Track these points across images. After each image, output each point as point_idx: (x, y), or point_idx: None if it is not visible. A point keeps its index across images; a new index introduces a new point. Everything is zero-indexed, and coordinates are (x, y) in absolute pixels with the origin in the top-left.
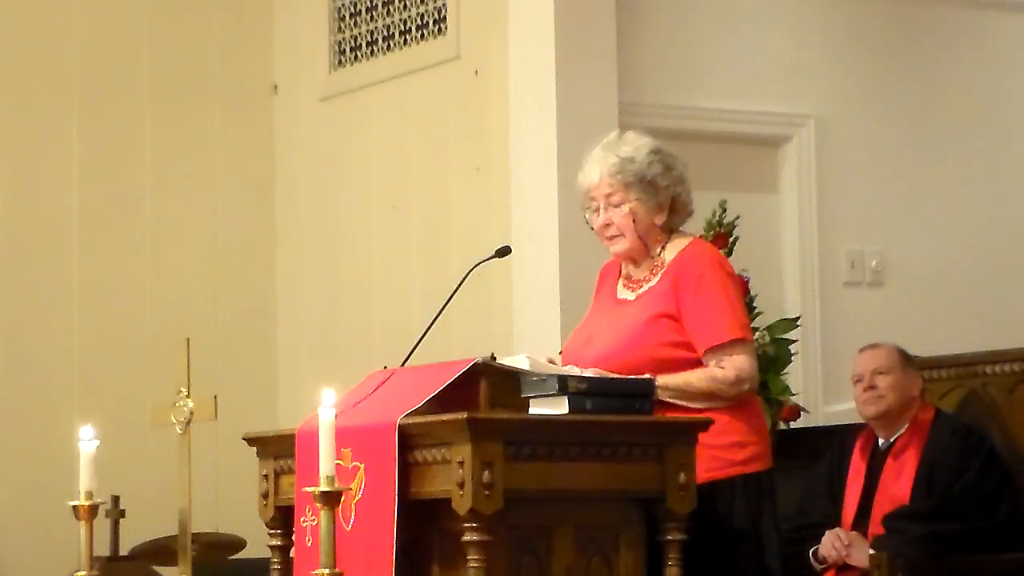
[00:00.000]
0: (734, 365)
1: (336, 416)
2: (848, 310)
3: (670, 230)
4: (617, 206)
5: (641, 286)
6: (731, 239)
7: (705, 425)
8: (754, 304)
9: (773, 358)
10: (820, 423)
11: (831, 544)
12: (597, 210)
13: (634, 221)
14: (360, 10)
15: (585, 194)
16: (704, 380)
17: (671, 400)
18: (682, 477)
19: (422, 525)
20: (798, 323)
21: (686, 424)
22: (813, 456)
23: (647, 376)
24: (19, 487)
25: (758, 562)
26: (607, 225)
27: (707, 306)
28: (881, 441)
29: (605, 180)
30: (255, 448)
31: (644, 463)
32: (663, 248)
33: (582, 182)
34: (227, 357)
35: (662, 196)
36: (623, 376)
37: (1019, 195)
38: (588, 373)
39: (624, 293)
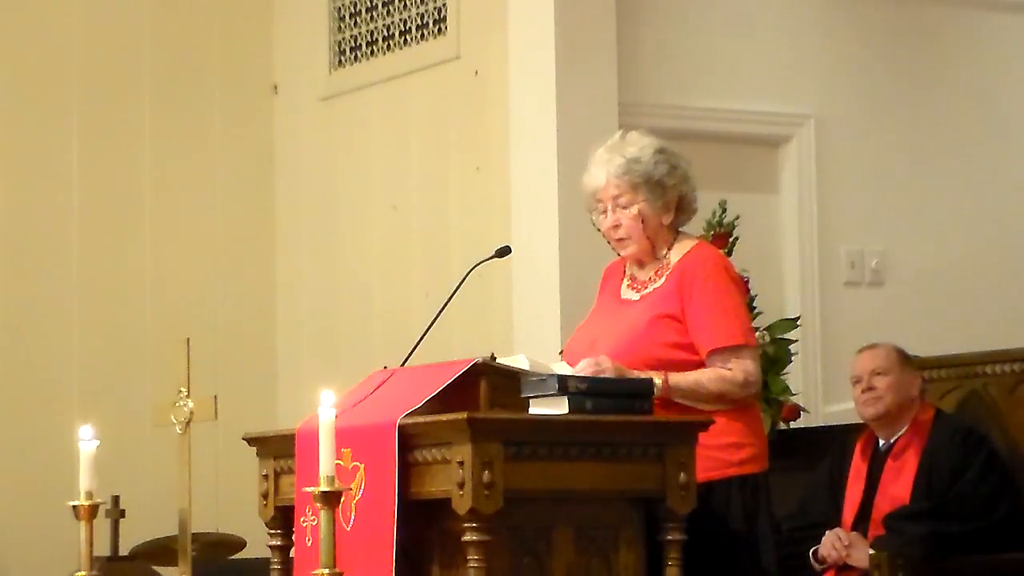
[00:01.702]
0: (742, 368)
1: (336, 416)
2: (848, 310)
3: (676, 230)
4: (625, 208)
5: (646, 287)
6: (731, 239)
7: (705, 425)
8: (754, 304)
9: (773, 358)
10: (820, 423)
11: (831, 544)
12: (605, 212)
13: (642, 223)
14: (360, 10)
15: (591, 196)
16: (715, 381)
17: (681, 401)
18: (682, 477)
19: (422, 525)
20: (798, 323)
21: (686, 424)
22: (813, 456)
23: (650, 376)
24: (19, 487)
25: (753, 563)
26: (615, 227)
27: (711, 309)
28: (881, 442)
29: (612, 182)
30: (255, 448)
31: (644, 463)
32: (669, 249)
33: (587, 184)
34: (227, 357)
35: (669, 195)
36: (623, 377)
37: (1019, 195)
38: (585, 367)
39: (628, 294)
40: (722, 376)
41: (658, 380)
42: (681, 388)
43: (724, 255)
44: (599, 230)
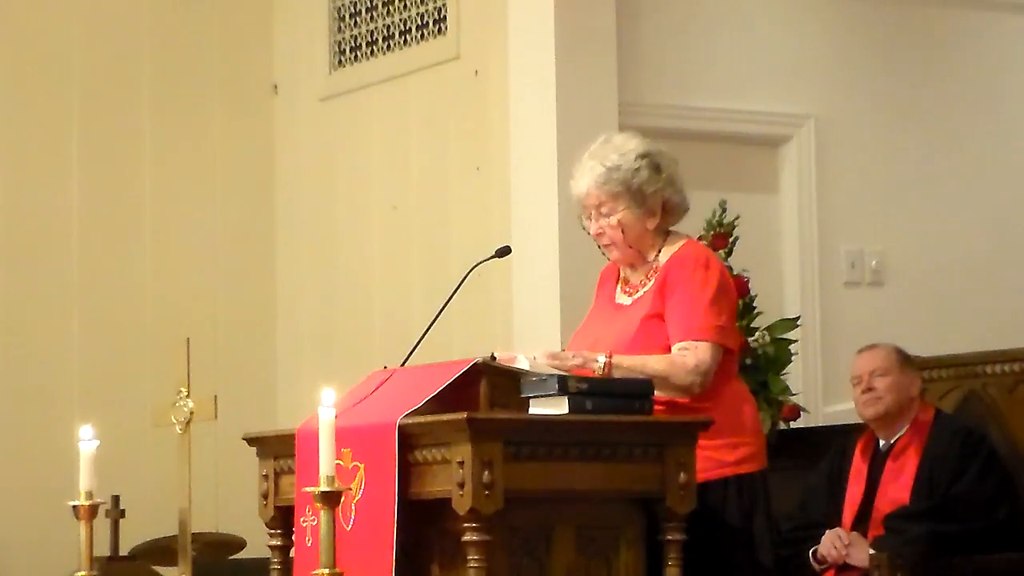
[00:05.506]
0: (696, 355)
1: (336, 416)
2: (848, 310)
3: (666, 231)
4: (607, 216)
5: (637, 291)
6: (731, 239)
7: (705, 425)
8: (754, 304)
9: (773, 358)
10: (820, 423)
11: (831, 544)
12: (591, 218)
13: (623, 232)
14: (360, 10)
15: (578, 203)
16: (661, 361)
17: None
18: (682, 477)
19: (422, 525)
20: (798, 323)
21: (686, 424)
22: (813, 456)
23: (594, 356)
24: (19, 487)
25: (750, 562)
26: (599, 235)
27: (684, 305)
28: (882, 442)
29: (593, 191)
30: (255, 448)
31: (644, 463)
32: (658, 252)
33: (573, 191)
34: (227, 357)
35: (651, 202)
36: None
37: (1019, 195)
38: (518, 361)
39: (621, 298)
40: (671, 359)
41: (602, 359)
42: (623, 367)
43: (710, 252)
44: (589, 234)
